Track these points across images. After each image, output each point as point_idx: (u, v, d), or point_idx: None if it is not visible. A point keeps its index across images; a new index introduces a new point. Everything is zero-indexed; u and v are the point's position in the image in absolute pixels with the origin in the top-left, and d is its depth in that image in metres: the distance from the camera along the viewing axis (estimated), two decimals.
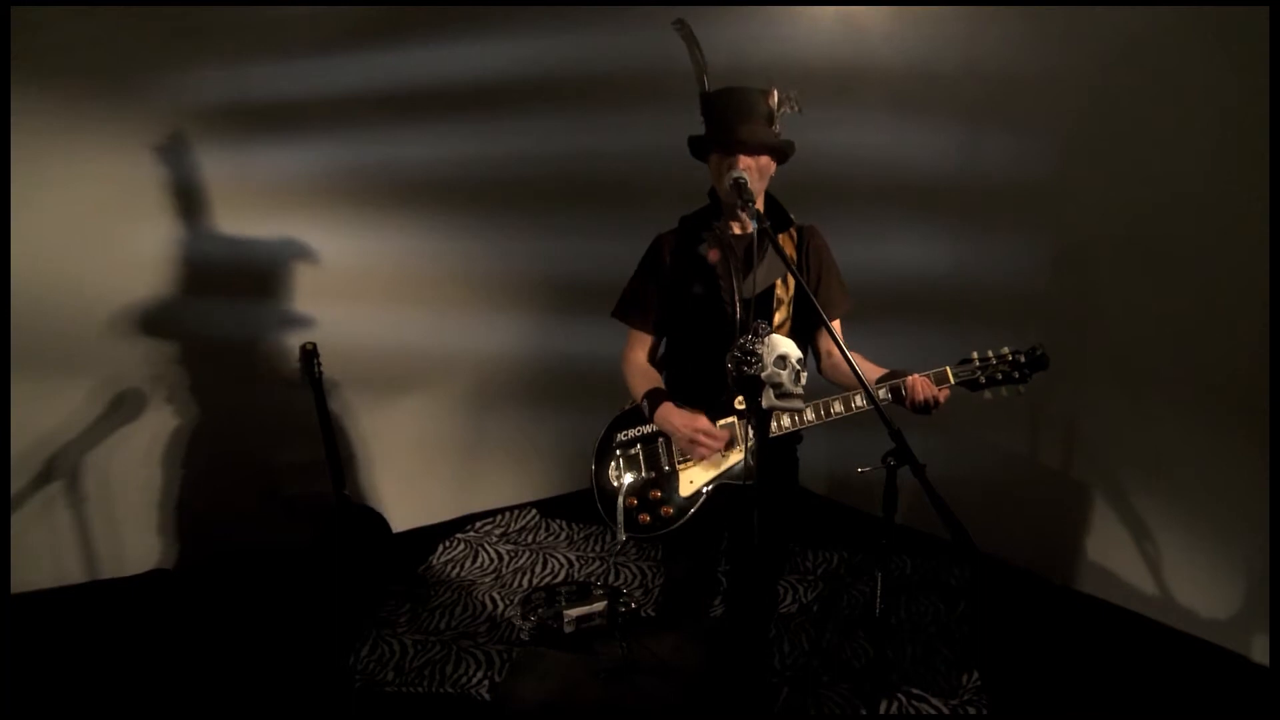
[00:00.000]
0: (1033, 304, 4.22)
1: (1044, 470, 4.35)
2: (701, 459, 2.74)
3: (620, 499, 2.75)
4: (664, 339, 2.97)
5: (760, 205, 2.71)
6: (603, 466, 2.85)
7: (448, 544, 4.83)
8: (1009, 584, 4.33)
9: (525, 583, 4.47)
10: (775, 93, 2.65)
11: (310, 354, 4.17)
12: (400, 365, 4.95)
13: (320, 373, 4.19)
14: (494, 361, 5.24)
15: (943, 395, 2.58)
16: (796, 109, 2.69)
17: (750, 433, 2.63)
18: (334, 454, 4.25)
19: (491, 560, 4.69)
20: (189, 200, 4.34)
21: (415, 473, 5.09)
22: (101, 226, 4.16)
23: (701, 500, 2.75)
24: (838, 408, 2.64)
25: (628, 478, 2.79)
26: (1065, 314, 4.12)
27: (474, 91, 4.82)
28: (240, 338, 4.55)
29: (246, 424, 4.56)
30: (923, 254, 4.59)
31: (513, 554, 4.74)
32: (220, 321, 4.47)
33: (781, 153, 2.71)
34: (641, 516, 2.77)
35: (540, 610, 3.91)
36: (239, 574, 4.42)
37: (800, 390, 2.09)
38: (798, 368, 2.08)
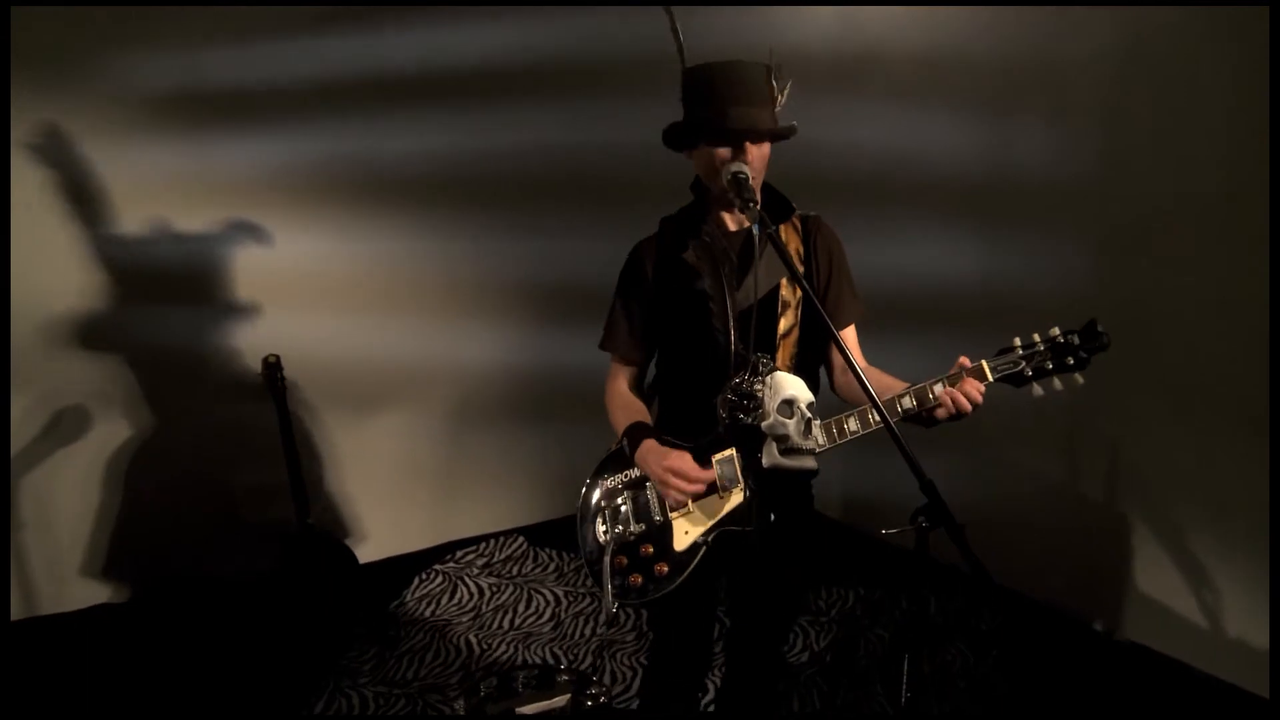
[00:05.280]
0: (1072, 312, 3.76)
1: (1083, 500, 3.95)
2: (677, 506, 2.30)
3: (607, 557, 2.32)
4: (650, 363, 2.55)
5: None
6: (587, 521, 2.43)
7: (424, 576, 4.43)
8: (1044, 628, 3.94)
9: (506, 623, 4.07)
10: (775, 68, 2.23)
11: (273, 366, 3.90)
12: (374, 378, 4.58)
13: (284, 386, 3.90)
14: (478, 374, 4.86)
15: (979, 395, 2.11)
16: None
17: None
18: (297, 477, 3.92)
19: (471, 596, 4.28)
20: (136, 197, 3.98)
21: (390, 497, 4.70)
22: (34, 225, 3.81)
23: (701, 554, 2.31)
24: (853, 426, 2.13)
25: (616, 531, 2.36)
26: (1108, 323, 3.66)
27: (459, 79, 4.48)
28: (195, 348, 4.19)
29: (201, 444, 4.21)
30: (950, 256, 4.22)
31: (495, 589, 4.33)
32: (172, 330, 4.12)
33: (783, 139, 2.28)
34: (633, 578, 2.33)
35: (490, 703, 3.27)
36: (189, 611, 4.07)
37: (811, 445, 1.65)
38: (808, 414, 1.64)
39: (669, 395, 2.49)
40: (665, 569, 2.31)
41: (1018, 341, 2.16)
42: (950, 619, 3.99)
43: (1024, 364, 2.12)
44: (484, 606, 4.20)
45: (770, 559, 2.30)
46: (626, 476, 2.41)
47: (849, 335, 2.46)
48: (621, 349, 2.50)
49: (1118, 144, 3.64)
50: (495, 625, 4.05)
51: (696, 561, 2.29)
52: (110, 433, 4.07)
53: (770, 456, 1.63)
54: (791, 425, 1.61)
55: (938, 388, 2.09)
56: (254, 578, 3.94)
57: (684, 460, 2.24)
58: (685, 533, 2.30)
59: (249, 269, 4.22)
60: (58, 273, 3.89)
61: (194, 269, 4.14)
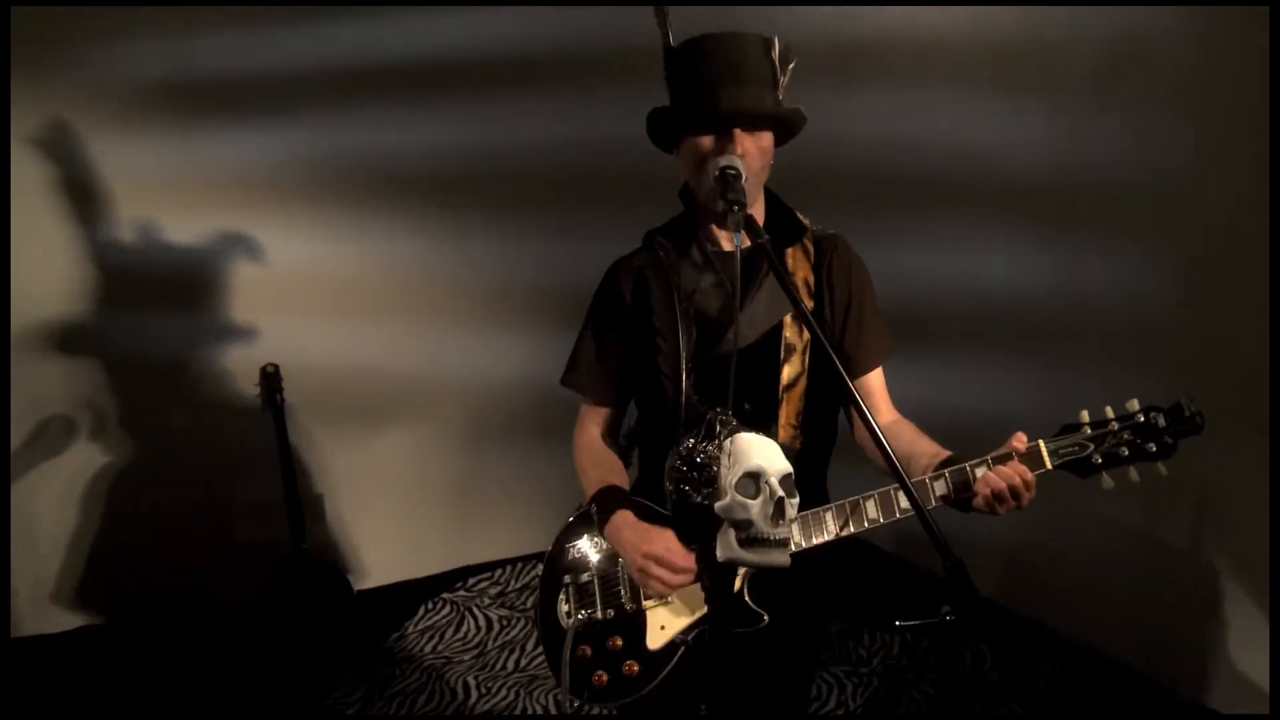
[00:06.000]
0: (1159, 334, 3.37)
1: (1165, 546, 3.53)
2: (659, 597, 1.90)
3: (566, 646, 1.92)
4: (628, 408, 2.19)
5: (759, 210, 1.90)
6: (549, 596, 2.05)
7: (430, 606, 4.14)
8: (1115, 691, 3.50)
9: (511, 663, 3.75)
10: (777, 42, 1.83)
11: (272, 376, 3.73)
12: (381, 390, 4.30)
13: (283, 399, 3.72)
14: (496, 386, 4.51)
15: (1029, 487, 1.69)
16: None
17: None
18: (294, 497, 3.71)
19: (477, 630, 3.98)
20: (125, 196, 3.81)
21: (398, 519, 4.41)
22: (17, 225, 3.63)
23: (679, 655, 1.90)
24: (871, 512, 1.74)
25: (579, 616, 1.96)
26: (1193, 343, 3.25)
27: (474, 68, 4.16)
28: (188, 357, 4.01)
29: (193, 459, 4.02)
30: (1014, 270, 3.76)
31: (505, 622, 4.02)
32: (164, 338, 3.95)
33: (789, 125, 1.88)
34: (597, 676, 1.93)
35: None
36: (172, 638, 3.88)
37: (784, 533, 1.24)
38: (780, 492, 1.23)
39: (645, 449, 2.14)
40: (635, 669, 1.91)
41: (1085, 417, 1.74)
42: (1006, 675, 3.56)
43: (1092, 448, 1.71)
44: (490, 643, 3.90)
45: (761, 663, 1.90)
46: (598, 546, 2.04)
47: (875, 380, 2.04)
48: (590, 387, 2.15)
49: (1209, 138, 3.18)
50: (499, 665, 3.74)
51: (673, 664, 1.89)
52: (97, 446, 3.92)
53: (726, 547, 1.23)
54: (755, 508, 1.19)
55: (980, 470, 1.69)
56: (240, 604, 3.72)
57: (668, 542, 1.84)
58: (661, 628, 1.91)
59: (246, 272, 4.01)
60: (42, 277, 3.75)
61: (188, 272, 3.95)
